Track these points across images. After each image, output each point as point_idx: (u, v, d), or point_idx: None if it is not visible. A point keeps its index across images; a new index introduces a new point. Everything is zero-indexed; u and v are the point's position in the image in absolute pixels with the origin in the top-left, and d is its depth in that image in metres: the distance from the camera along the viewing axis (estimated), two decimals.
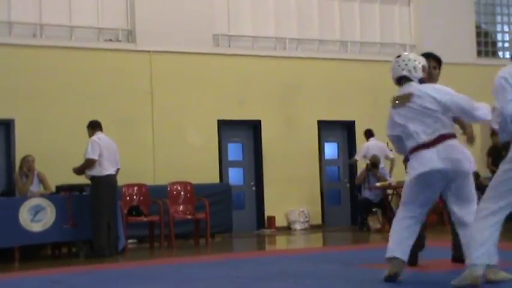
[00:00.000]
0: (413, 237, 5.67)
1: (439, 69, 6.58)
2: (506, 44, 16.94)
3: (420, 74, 5.70)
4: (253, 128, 14.11)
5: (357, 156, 13.77)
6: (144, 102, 12.99)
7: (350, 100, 14.71)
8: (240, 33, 14.25)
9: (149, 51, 13.06)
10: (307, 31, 14.83)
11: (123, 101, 12.69)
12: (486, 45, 16.52)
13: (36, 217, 9.42)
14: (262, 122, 13.97)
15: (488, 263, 4.92)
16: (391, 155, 12.93)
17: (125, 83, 12.78)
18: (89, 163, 9.68)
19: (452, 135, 5.52)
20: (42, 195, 9.73)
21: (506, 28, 16.91)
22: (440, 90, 5.55)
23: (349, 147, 14.96)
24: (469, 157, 5.46)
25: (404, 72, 5.69)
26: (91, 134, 9.91)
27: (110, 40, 13.10)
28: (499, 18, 16.91)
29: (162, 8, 13.20)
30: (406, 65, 5.71)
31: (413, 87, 5.62)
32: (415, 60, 5.75)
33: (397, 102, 5.71)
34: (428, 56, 6.46)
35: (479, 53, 16.27)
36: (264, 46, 14.43)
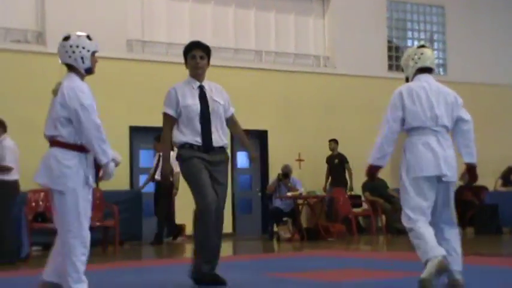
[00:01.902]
0: None
1: (208, 59, 6.52)
2: None
3: (88, 64, 5.16)
4: None
5: None
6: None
7: (263, 109, 14.83)
8: (155, 39, 14.16)
9: None
10: (222, 39, 14.86)
11: (30, 104, 12.34)
12: (397, 59, 16.95)
13: None
14: None
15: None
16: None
17: (33, 85, 12.45)
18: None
19: None
20: None
21: (416, 43, 17.39)
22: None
23: (262, 156, 15.06)
24: None
25: (69, 60, 5.14)
26: None
27: (18, 41, 12.77)
28: (409, 34, 17.40)
29: (74, 10, 12.96)
30: (73, 52, 5.12)
31: None
32: (84, 48, 5.10)
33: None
34: (196, 45, 6.50)
35: (390, 67, 16.67)
36: (178, 53, 14.20)
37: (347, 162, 14.48)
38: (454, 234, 5.36)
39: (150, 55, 13.98)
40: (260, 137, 15.02)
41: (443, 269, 4.98)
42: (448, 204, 5.39)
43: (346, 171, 14.55)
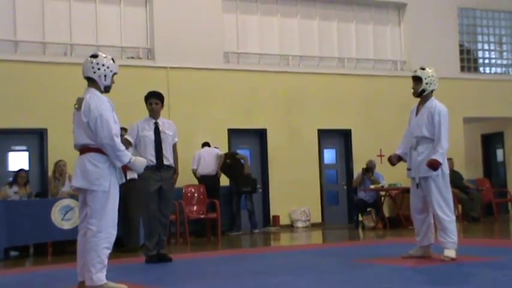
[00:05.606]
0: None
1: (162, 103, 7.85)
2: (487, 61, 16.96)
3: (108, 82, 5.28)
4: (260, 136, 14.13)
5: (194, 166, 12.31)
6: (162, 113, 12.91)
7: (347, 111, 14.74)
8: (248, 51, 14.29)
9: (166, 67, 13.11)
10: (308, 49, 14.87)
11: (143, 113, 12.66)
12: (468, 61, 16.52)
13: (66, 216, 9.45)
14: (267, 131, 13.99)
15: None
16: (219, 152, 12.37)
17: (144, 94, 12.74)
18: None
19: None
20: (71, 197, 9.70)
21: (486, 46, 16.90)
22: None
23: (346, 153, 14.98)
24: None
25: (93, 75, 5.21)
26: None
27: (132, 57, 13.16)
28: (479, 38, 16.91)
29: (179, 29, 13.27)
30: (98, 69, 5.23)
31: None
32: (108, 68, 5.26)
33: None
34: (153, 95, 7.83)
35: (462, 69, 16.26)
36: (269, 62, 14.46)
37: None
38: None
39: (244, 65, 14.11)
40: (345, 136, 14.94)
41: None
42: None
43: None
